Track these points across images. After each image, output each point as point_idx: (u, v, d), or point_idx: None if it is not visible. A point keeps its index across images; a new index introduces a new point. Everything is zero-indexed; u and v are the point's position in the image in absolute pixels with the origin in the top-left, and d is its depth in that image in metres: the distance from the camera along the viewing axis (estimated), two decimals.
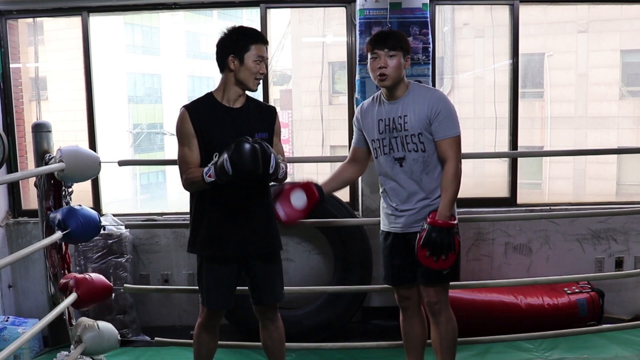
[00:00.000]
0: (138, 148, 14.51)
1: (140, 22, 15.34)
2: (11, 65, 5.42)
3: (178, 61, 16.24)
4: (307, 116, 11.15)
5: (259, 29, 5.06)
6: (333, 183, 3.69)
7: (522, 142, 5.49)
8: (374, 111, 3.46)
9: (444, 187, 3.31)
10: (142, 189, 15.08)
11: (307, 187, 3.50)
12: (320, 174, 10.70)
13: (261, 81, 3.32)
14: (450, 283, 3.52)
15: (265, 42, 3.26)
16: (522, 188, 5.60)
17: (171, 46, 16.14)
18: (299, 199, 3.48)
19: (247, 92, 3.35)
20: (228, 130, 3.22)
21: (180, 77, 16.36)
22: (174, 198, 14.05)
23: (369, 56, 3.36)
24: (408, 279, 3.52)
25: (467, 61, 9.42)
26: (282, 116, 12.45)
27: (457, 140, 3.33)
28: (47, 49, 7.44)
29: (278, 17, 10.45)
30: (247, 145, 2.96)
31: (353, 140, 3.66)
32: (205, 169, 3.06)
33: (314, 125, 10.24)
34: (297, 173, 10.24)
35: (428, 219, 3.29)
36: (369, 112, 3.49)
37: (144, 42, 16.01)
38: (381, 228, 3.61)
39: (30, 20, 5.99)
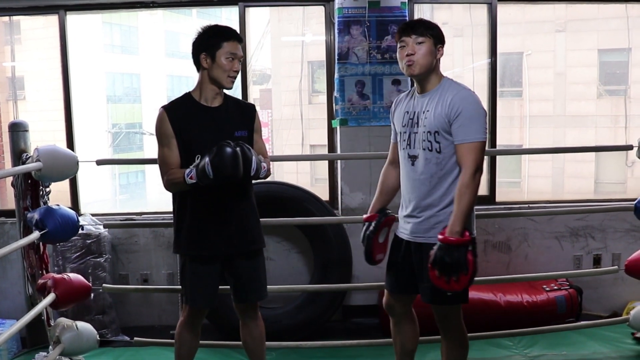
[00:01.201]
0: (117, 148, 14.45)
1: (119, 21, 15.26)
2: None
3: (157, 60, 16.17)
4: (286, 115, 11.15)
5: (237, 27, 5.05)
6: (383, 197, 3.46)
7: (501, 141, 5.51)
8: (404, 103, 3.28)
9: (456, 198, 2.98)
10: (121, 188, 15.01)
11: (384, 223, 3.40)
12: (300, 172, 10.74)
13: (239, 80, 3.32)
14: None
15: (238, 39, 3.25)
16: (501, 187, 5.63)
17: (150, 45, 16.07)
18: (382, 235, 3.40)
19: (226, 91, 3.35)
20: (207, 129, 3.23)
21: (159, 76, 16.29)
22: (153, 198, 13.98)
23: (398, 46, 3.13)
24: (402, 288, 3.34)
25: (446, 60, 9.43)
26: (262, 115, 12.43)
27: (478, 146, 2.98)
28: (24, 48, 7.38)
29: (257, 16, 10.43)
30: (229, 150, 2.96)
31: (391, 136, 3.45)
32: (187, 171, 3.06)
33: (293, 125, 10.24)
34: (277, 172, 10.23)
35: (439, 235, 2.96)
36: (401, 104, 3.30)
37: (122, 41, 15.93)
38: (395, 232, 3.39)
39: (7, 18, 5.93)
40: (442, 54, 3.12)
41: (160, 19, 15.21)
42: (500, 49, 5.39)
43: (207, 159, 2.96)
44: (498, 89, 5.47)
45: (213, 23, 3.29)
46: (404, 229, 3.26)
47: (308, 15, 8.35)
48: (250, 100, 4.98)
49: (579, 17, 10.49)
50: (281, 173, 10.19)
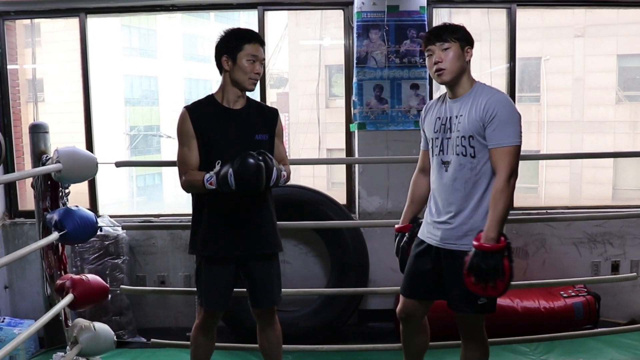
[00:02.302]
0: (134, 150, 14.52)
1: (138, 24, 15.34)
2: (8, 67, 5.41)
3: (175, 64, 16.23)
4: (303, 119, 11.17)
5: (256, 31, 5.07)
6: (414, 206, 3.43)
7: None
8: (435, 109, 3.21)
9: (491, 204, 2.92)
10: (138, 191, 15.07)
11: (416, 232, 3.35)
12: (316, 176, 10.74)
13: (258, 83, 3.32)
14: None
15: (260, 42, 3.26)
16: (518, 192, 5.60)
17: (168, 48, 16.14)
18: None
19: (248, 94, 3.36)
20: (228, 131, 3.24)
21: (177, 79, 16.35)
22: (170, 200, 14.05)
23: (425, 55, 3.10)
24: (424, 294, 3.26)
25: None
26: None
27: (513, 150, 2.92)
28: (44, 51, 7.43)
29: (275, 20, 10.47)
30: (252, 162, 2.96)
31: (421, 143, 3.38)
32: (207, 176, 3.07)
33: (310, 128, 10.26)
34: (293, 175, 10.23)
35: (474, 242, 2.90)
36: (432, 110, 3.24)
37: (141, 44, 16.01)
38: (418, 236, 3.31)
39: (28, 21, 5.98)
40: (471, 55, 3.06)
41: (178, 22, 15.28)
42: (518, 53, 5.37)
43: (229, 169, 2.96)
44: (516, 94, 5.44)
45: (235, 27, 3.30)
46: (433, 234, 3.18)
47: (326, 19, 8.38)
48: (267, 103, 4.99)
49: (598, 22, 10.45)
50: (298, 176, 10.16)
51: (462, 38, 3.03)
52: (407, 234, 3.37)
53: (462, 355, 3.29)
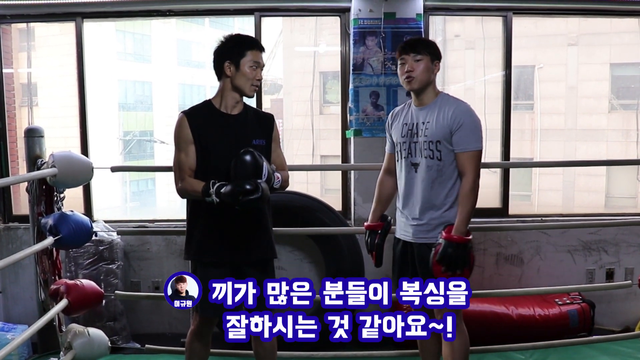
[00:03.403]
0: (128, 155, 14.47)
1: (132, 29, 15.31)
2: (4, 70, 5.40)
3: (169, 69, 16.21)
4: (297, 125, 11.16)
5: (261, 36, 5.10)
6: (382, 205, 3.71)
7: (512, 154, 5.51)
8: (402, 115, 3.50)
9: (461, 202, 3.28)
10: (132, 196, 15.02)
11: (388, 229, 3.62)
12: (310, 182, 10.73)
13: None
14: None
15: (261, 48, 3.30)
16: (511, 199, 5.61)
17: (163, 54, 16.11)
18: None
19: (245, 100, 3.37)
20: (225, 137, 3.25)
21: (171, 85, 16.33)
22: (163, 205, 14.01)
23: (398, 62, 3.39)
24: None
25: (458, 72, 9.46)
26: None
27: (477, 154, 3.30)
28: (39, 55, 7.41)
29: (270, 26, 10.47)
30: (254, 186, 3.01)
31: (386, 147, 3.70)
32: (206, 188, 3.09)
33: (304, 135, 10.24)
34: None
35: (443, 234, 3.26)
36: (399, 116, 3.53)
37: (135, 49, 15.98)
38: (394, 235, 3.62)
39: (23, 25, 5.97)
40: (438, 69, 3.40)
41: (173, 27, 15.27)
42: (512, 61, 5.39)
43: (233, 192, 3.00)
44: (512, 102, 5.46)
45: (235, 33, 3.32)
46: (405, 231, 3.49)
47: (321, 25, 8.39)
48: (262, 109, 4.97)
49: (591, 31, 10.48)
50: (291, 183, 10.14)
51: (433, 53, 3.37)
52: (379, 231, 3.61)
53: (445, 347, 3.44)
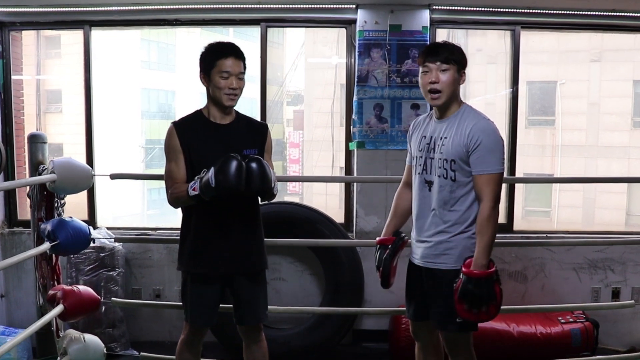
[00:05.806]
0: (150, 163, 14.55)
1: (157, 38, 15.44)
2: (14, 77, 5.47)
3: (193, 78, 16.31)
4: (318, 137, 11.16)
5: (267, 46, 5.09)
6: (397, 219, 3.41)
7: (533, 169, 5.48)
8: (422, 126, 3.23)
9: (479, 231, 2.95)
10: (153, 203, 15.09)
11: (400, 247, 3.32)
12: (329, 194, 10.73)
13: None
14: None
15: (235, 55, 3.21)
16: (530, 215, 5.58)
17: (187, 63, 16.22)
18: (396, 259, 3.32)
19: (242, 110, 3.38)
20: (214, 146, 3.22)
21: (194, 93, 16.43)
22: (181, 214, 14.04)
23: (420, 70, 3.08)
24: (423, 315, 3.26)
25: (479, 87, 9.42)
26: (294, 136, 12.50)
27: (497, 178, 2.96)
28: (64, 62, 7.52)
29: (293, 38, 10.52)
30: (234, 161, 2.94)
31: (407, 158, 3.40)
32: (191, 183, 3.06)
33: (324, 146, 10.24)
34: (306, 193, 10.24)
35: (463, 268, 2.94)
36: (419, 127, 3.25)
37: (159, 58, 16.10)
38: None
39: (50, 32, 6.06)
40: (464, 80, 3.08)
41: (197, 37, 15.36)
42: (534, 77, 5.37)
43: (211, 169, 2.95)
44: (530, 117, 5.47)
45: (214, 41, 3.30)
46: (416, 253, 3.22)
47: (342, 38, 8.39)
48: (284, 121, 4.98)
49: (614, 47, 10.41)
50: (310, 194, 10.19)
51: (459, 61, 3.04)
52: (389, 246, 3.31)
53: None
